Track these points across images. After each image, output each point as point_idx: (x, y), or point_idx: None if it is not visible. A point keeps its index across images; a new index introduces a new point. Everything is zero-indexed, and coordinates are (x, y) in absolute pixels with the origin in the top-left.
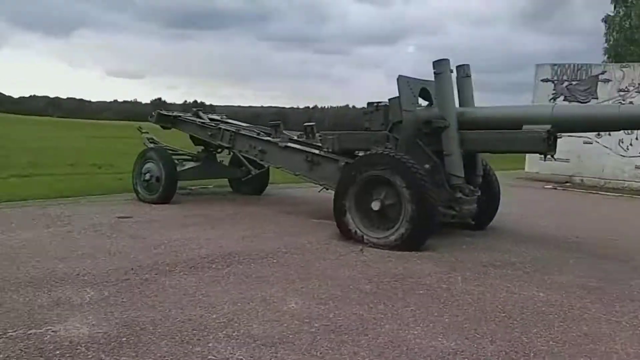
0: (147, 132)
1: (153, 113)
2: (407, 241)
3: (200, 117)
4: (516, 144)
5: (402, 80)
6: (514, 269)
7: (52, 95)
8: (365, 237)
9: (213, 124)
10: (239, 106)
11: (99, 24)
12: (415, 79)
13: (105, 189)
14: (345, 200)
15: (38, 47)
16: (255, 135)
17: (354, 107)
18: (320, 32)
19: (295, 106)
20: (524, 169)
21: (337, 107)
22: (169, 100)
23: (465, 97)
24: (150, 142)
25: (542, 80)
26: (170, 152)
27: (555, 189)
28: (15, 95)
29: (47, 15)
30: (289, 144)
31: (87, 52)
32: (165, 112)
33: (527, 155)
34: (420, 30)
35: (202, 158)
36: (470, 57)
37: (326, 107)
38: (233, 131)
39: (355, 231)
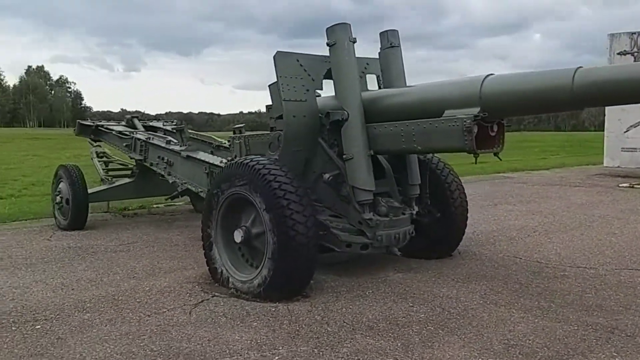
0: (99, 145)
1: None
2: (271, 287)
3: (134, 126)
4: (432, 140)
5: (283, 57)
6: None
7: (185, 111)
8: (230, 279)
9: (128, 133)
10: None
11: (226, 41)
12: (318, 56)
13: None
14: (210, 228)
15: (172, 66)
16: (163, 145)
17: None
18: (440, 27)
19: None
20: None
21: None
22: None
23: (391, 76)
24: (101, 156)
25: (618, 54)
26: (104, 168)
27: (632, 187)
28: (153, 113)
29: (179, 36)
30: (191, 154)
31: (216, 69)
32: (84, 122)
33: (605, 144)
34: (548, 16)
35: (137, 173)
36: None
37: None
38: (144, 140)
39: (222, 270)
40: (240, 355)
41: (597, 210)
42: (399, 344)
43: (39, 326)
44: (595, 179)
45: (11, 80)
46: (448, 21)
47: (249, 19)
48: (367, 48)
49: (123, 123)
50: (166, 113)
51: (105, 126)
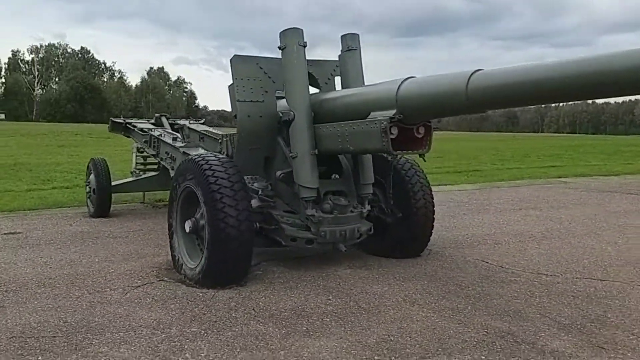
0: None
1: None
2: (207, 275)
3: (161, 124)
4: (359, 141)
5: (240, 61)
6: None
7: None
8: (183, 266)
9: (147, 130)
10: None
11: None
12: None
13: None
14: (172, 219)
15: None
16: (169, 142)
17: (593, 102)
18: (558, 25)
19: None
20: None
21: (573, 104)
22: None
23: (349, 78)
24: (141, 151)
25: None
26: (140, 162)
27: None
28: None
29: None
30: (187, 150)
31: None
32: (116, 120)
33: None
34: None
35: (161, 168)
36: None
37: (561, 104)
38: (156, 137)
39: (179, 258)
40: (134, 332)
41: (625, 219)
42: (283, 332)
43: None
44: None
45: (134, 81)
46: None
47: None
48: (476, 48)
49: (152, 121)
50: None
51: (132, 124)
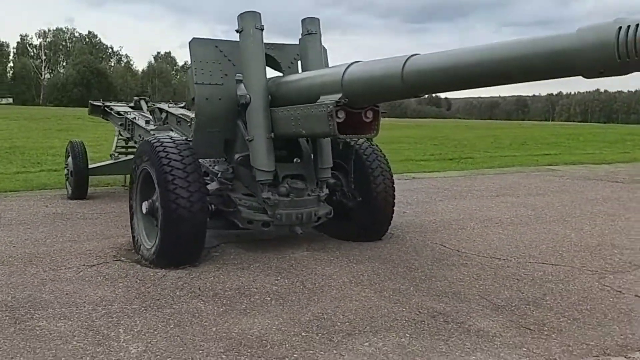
0: None
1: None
2: (160, 256)
3: (140, 107)
4: (309, 125)
5: (198, 44)
6: None
7: None
8: (142, 246)
9: (122, 113)
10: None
11: (345, 26)
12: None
13: None
14: (132, 200)
15: None
16: (142, 125)
17: (605, 91)
18: (571, 12)
19: (537, 94)
20: None
21: (585, 92)
22: None
23: (309, 62)
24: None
25: None
26: (120, 145)
27: None
28: None
29: (297, 21)
30: (157, 133)
31: (335, 54)
32: (95, 103)
33: None
34: None
35: None
36: None
37: (572, 92)
38: (130, 120)
39: (138, 239)
40: (76, 308)
41: (600, 206)
42: (221, 310)
43: None
44: None
45: (140, 65)
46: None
47: (369, 3)
48: (488, 34)
49: (131, 104)
50: None
51: (110, 107)
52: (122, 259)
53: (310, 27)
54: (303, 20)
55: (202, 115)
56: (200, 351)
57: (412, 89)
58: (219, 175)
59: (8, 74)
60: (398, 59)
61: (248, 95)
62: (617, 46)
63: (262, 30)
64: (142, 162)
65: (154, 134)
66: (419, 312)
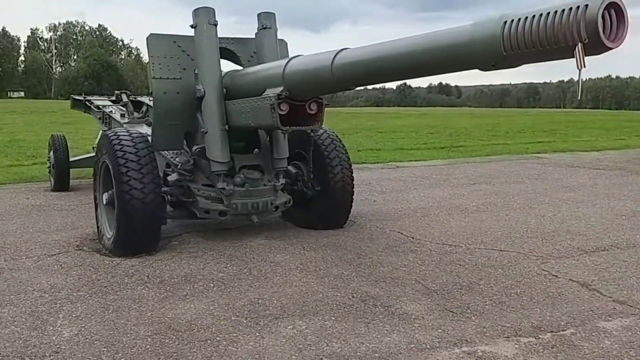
0: None
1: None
2: (117, 245)
3: (121, 101)
4: (256, 117)
5: (156, 39)
6: None
7: None
8: (104, 236)
9: (101, 107)
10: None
11: (354, 16)
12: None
13: None
14: (96, 191)
15: (303, 42)
16: (118, 118)
17: (617, 77)
18: None
19: (547, 80)
20: None
21: (596, 78)
22: (414, 85)
23: (264, 56)
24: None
25: None
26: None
27: None
28: None
29: (309, 12)
30: (130, 126)
31: (345, 44)
32: (76, 97)
33: None
34: None
35: None
36: None
37: (583, 79)
38: (107, 113)
39: (101, 229)
40: (24, 295)
41: (572, 193)
42: (162, 296)
43: None
44: (635, 163)
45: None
46: None
47: None
48: None
49: (112, 98)
50: None
51: (90, 100)
52: (85, 248)
53: (266, 22)
54: (259, 15)
55: (160, 108)
56: (129, 334)
57: (340, 82)
58: (178, 167)
59: (19, 68)
60: (329, 53)
61: (202, 89)
62: (502, 40)
63: (215, 25)
64: (102, 155)
65: (125, 127)
66: (352, 296)
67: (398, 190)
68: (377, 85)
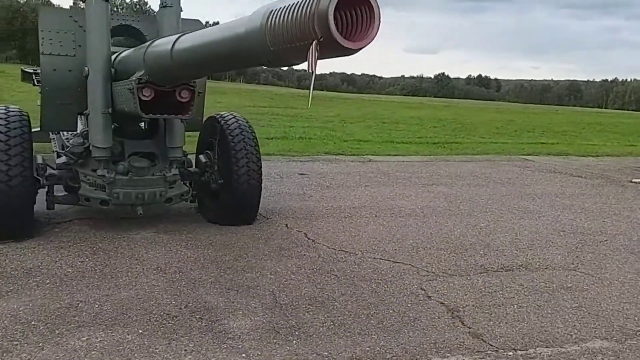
0: None
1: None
2: None
3: None
4: (125, 102)
5: (48, 13)
6: None
7: (348, 72)
8: None
9: None
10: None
11: (398, 2)
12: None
13: None
14: None
15: None
16: None
17: None
18: None
19: (591, 79)
20: None
21: None
22: (452, 75)
23: (164, 35)
24: None
25: None
26: None
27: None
28: (318, 72)
29: None
30: None
31: (386, 30)
32: (27, 70)
33: None
34: None
35: None
36: None
37: (628, 79)
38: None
39: None
40: None
41: (527, 202)
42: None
43: None
44: (624, 172)
45: None
46: None
47: None
48: (544, 17)
49: None
50: (330, 73)
51: (38, 72)
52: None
53: (167, 0)
54: None
55: (49, 86)
56: None
57: (179, 68)
58: (67, 150)
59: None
60: (173, 37)
61: (86, 68)
62: (266, 33)
63: (107, 1)
64: None
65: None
66: (185, 307)
67: (345, 187)
68: (414, 74)
